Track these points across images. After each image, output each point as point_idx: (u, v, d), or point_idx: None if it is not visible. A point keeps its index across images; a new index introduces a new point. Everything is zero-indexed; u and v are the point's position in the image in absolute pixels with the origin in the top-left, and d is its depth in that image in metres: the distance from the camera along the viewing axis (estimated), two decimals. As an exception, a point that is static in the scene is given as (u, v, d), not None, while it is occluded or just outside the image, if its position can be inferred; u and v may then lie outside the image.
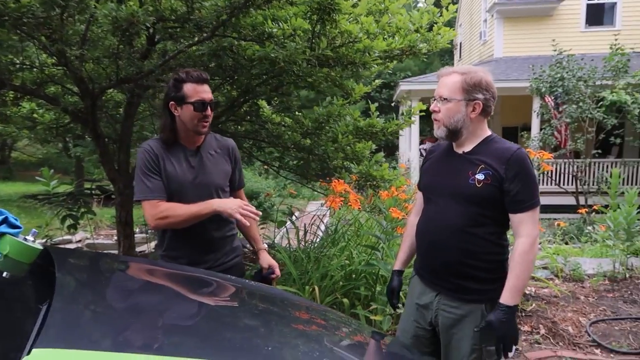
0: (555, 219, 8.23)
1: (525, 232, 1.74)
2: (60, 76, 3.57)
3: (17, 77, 3.38)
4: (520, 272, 1.73)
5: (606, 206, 5.68)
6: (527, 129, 12.20)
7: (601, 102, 9.68)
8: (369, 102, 4.16)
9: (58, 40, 2.73)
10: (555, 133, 10.30)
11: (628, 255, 4.95)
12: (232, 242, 2.17)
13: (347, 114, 3.88)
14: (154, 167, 1.96)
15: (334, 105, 3.81)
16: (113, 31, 2.60)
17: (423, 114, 3.84)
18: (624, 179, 10.96)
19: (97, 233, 7.95)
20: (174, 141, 2.02)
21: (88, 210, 4.53)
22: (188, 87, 1.94)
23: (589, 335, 3.49)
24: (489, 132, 1.85)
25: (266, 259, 2.25)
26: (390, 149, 17.38)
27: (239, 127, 4.56)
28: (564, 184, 11.27)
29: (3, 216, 1.22)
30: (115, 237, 5.53)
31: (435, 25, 3.35)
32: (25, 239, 1.22)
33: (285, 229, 4.43)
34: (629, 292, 4.41)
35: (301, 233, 4.09)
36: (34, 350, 0.82)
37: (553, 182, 11.35)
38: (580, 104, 9.80)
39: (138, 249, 4.99)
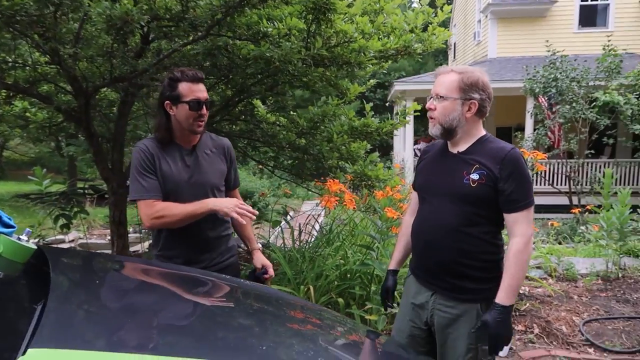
0: (548, 218, 8.28)
1: (519, 231, 1.74)
2: (53, 75, 3.54)
3: (10, 76, 3.35)
4: (515, 272, 1.73)
5: (599, 206, 5.71)
6: (521, 129, 12.26)
7: (594, 103, 9.74)
8: (364, 102, 4.16)
9: (51, 39, 2.71)
10: (549, 133, 10.36)
11: (621, 255, 4.99)
12: (228, 242, 2.17)
13: (342, 113, 3.87)
14: (150, 167, 1.95)
15: (329, 105, 3.80)
16: (107, 30, 2.58)
17: (418, 113, 3.85)
18: (616, 179, 11.04)
19: (90, 233, 7.91)
20: (169, 140, 2.02)
21: (81, 210, 4.50)
22: (183, 86, 1.94)
23: (583, 335, 3.51)
24: (483, 132, 1.86)
25: (260, 259, 2.24)
26: (385, 149, 17.40)
27: (234, 126, 4.55)
28: (557, 184, 11.34)
29: (-4, 216, 1.21)
30: (109, 237, 5.50)
31: (430, 25, 3.35)
32: (19, 239, 1.21)
33: (280, 228, 4.43)
34: (622, 292, 4.44)
35: (296, 233, 4.09)
36: (29, 350, 0.82)
37: (546, 182, 11.41)
38: (574, 104, 9.87)
39: (131, 249, 4.96)
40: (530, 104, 11.47)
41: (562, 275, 4.88)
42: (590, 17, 13.68)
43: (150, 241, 5.09)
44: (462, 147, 1.83)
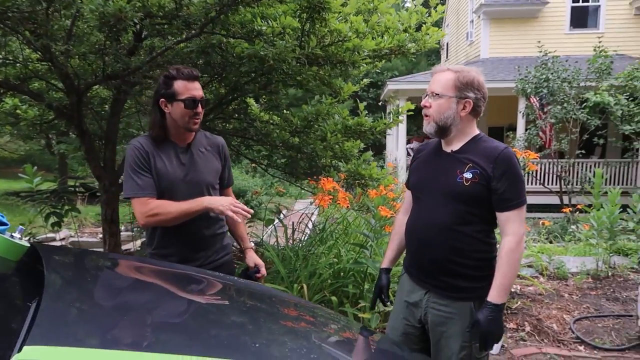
0: (539, 218, 8.34)
1: (511, 230, 1.75)
2: (44, 72, 3.51)
3: (0, 73, 3.32)
4: (507, 271, 1.74)
5: (589, 205, 5.77)
6: (513, 129, 12.34)
7: (585, 103, 9.83)
8: (357, 101, 4.17)
9: (43, 35, 2.68)
10: (540, 133, 10.43)
11: (611, 254, 5.04)
12: (222, 240, 2.16)
13: (335, 112, 3.88)
14: (144, 165, 1.94)
15: (323, 103, 3.81)
16: (100, 27, 2.55)
17: (411, 113, 3.86)
18: (606, 179, 11.15)
19: (82, 231, 7.85)
20: (164, 138, 2.01)
21: (72, 208, 4.46)
22: (179, 84, 1.93)
23: (573, 332, 3.55)
24: (477, 132, 1.87)
25: (252, 258, 2.24)
26: (378, 148, 17.43)
27: (227, 125, 4.54)
28: (548, 184, 11.42)
29: (-12, 213, 1.19)
30: (100, 235, 5.46)
31: (423, 25, 3.37)
32: (12, 236, 1.20)
33: (273, 227, 4.42)
34: (612, 290, 4.49)
35: (289, 231, 4.09)
36: (25, 347, 0.81)
37: (538, 181, 11.49)
38: (565, 104, 9.95)
39: (123, 247, 4.93)
40: (522, 104, 11.55)
41: (553, 274, 4.92)
42: (581, 18, 13.79)
43: (143, 239, 5.07)
44: (456, 146, 1.84)
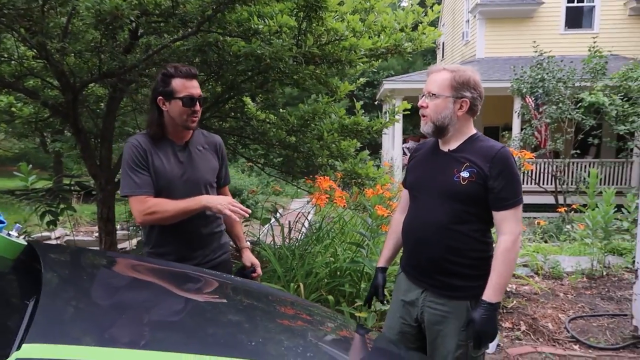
0: (535, 217, 8.38)
1: (507, 229, 1.76)
2: (39, 69, 3.49)
3: (-5, 70, 3.29)
4: (502, 270, 1.75)
5: (584, 205, 5.80)
6: (508, 128, 12.38)
7: (580, 104, 9.86)
8: (354, 100, 4.17)
9: (38, 33, 2.66)
10: (536, 133, 10.47)
11: (605, 254, 5.07)
12: (220, 239, 2.16)
13: (332, 111, 3.88)
14: (142, 162, 1.93)
15: (320, 102, 3.80)
16: (96, 24, 2.54)
17: (408, 112, 3.86)
18: (601, 179, 11.20)
19: (77, 230, 7.82)
20: (162, 136, 2.00)
21: (68, 207, 4.45)
22: (177, 82, 1.92)
23: (568, 332, 3.56)
24: (474, 131, 1.87)
25: (249, 258, 2.25)
26: (374, 148, 17.45)
27: (223, 123, 4.53)
28: (543, 184, 11.46)
29: (-15, 211, 1.19)
30: (96, 234, 5.44)
31: (420, 24, 3.37)
32: (9, 235, 1.19)
33: (270, 226, 4.42)
34: (606, 289, 4.52)
35: (285, 230, 4.09)
36: (24, 345, 0.81)
37: (533, 181, 11.54)
38: (560, 104, 9.98)
39: (119, 246, 4.92)
40: (517, 104, 11.59)
41: (548, 273, 4.94)
42: (576, 18, 13.85)
43: (139, 238, 5.06)
44: (453, 145, 1.85)
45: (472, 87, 1.79)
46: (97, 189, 3.57)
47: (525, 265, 5.02)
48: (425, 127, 1.85)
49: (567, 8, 13.69)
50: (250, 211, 1.93)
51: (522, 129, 11.23)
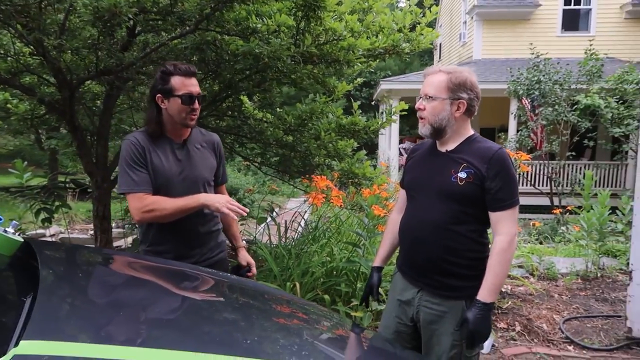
0: (530, 219, 8.42)
1: (504, 230, 1.77)
2: (36, 66, 3.47)
3: (-9, 66, 3.28)
4: (498, 270, 1.76)
5: (579, 207, 5.83)
6: (505, 130, 12.43)
7: (576, 106, 9.92)
8: (351, 100, 4.17)
9: (35, 29, 2.65)
10: (532, 135, 10.51)
11: (600, 255, 5.10)
12: (217, 238, 2.16)
13: (329, 111, 3.88)
14: (140, 160, 1.92)
15: (317, 102, 3.81)
16: (93, 22, 2.53)
17: (405, 112, 3.87)
18: (596, 181, 11.27)
19: (72, 227, 7.80)
20: (160, 134, 1.99)
21: (63, 204, 4.43)
22: (176, 80, 1.92)
23: (563, 332, 3.58)
24: (472, 132, 1.88)
25: (245, 257, 2.26)
26: (371, 148, 17.48)
27: (221, 122, 4.52)
28: (539, 185, 11.51)
29: (-19, 208, 1.18)
30: (91, 232, 5.42)
31: (418, 25, 3.37)
32: (6, 231, 1.18)
33: (266, 225, 4.42)
34: (601, 291, 4.54)
35: (282, 230, 4.09)
36: (22, 342, 0.81)
37: (528, 182, 11.58)
38: (556, 106, 10.03)
39: (115, 244, 4.90)
40: (513, 106, 11.63)
41: (543, 275, 4.97)
42: (573, 21, 13.91)
43: (134, 236, 5.04)
44: (451, 146, 1.85)
45: (469, 89, 1.80)
46: (93, 186, 3.56)
47: (520, 267, 5.04)
48: (424, 129, 1.85)
49: (564, 11, 13.75)
50: (248, 210, 1.93)
51: (518, 131, 11.27)
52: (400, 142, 15.40)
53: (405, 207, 1.99)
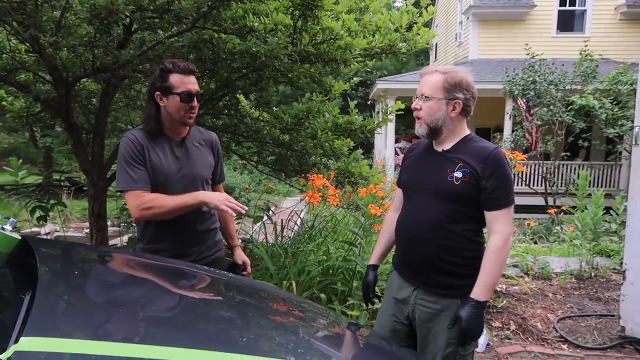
0: (525, 218, 8.45)
1: (499, 229, 1.78)
2: (32, 63, 3.46)
3: (-14, 63, 3.26)
4: (492, 269, 1.77)
5: (574, 207, 5.86)
6: (500, 130, 12.48)
7: (570, 106, 9.97)
8: (348, 99, 4.18)
9: (31, 26, 2.64)
10: (527, 135, 10.56)
11: (594, 255, 5.13)
12: (215, 236, 2.16)
13: (326, 110, 3.88)
14: (139, 157, 1.92)
15: (314, 101, 3.81)
16: (90, 19, 2.53)
17: (401, 112, 3.88)
18: (590, 181, 11.32)
19: (67, 225, 7.77)
20: (159, 132, 1.99)
21: (58, 202, 4.41)
22: (174, 78, 1.92)
23: (557, 331, 3.61)
24: (468, 131, 1.89)
25: (240, 256, 2.27)
26: (367, 147, 17.49)
27: (217, 120, 4.52)
28: (533, 185, 11.56)
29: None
30: (86, 230, 5.40)
31: (414, 25, 3.38)
32: (3, 229, 1.18)
33: (262, 224, 4.42)
34: (595, 290, 4.57)
35: (278, 228, 4.09)
36: (21, 338, 0.81)
37: (523, 182, 11.63)
38: (551, 107, 10.08)
39: (110, 242, 4.89)
40: (509, 106, 11.67)
41: (538, 274, 4.99)
42: (568, 22, 13.98)
43: (130, 235, 5.03)
44: (447, 146, 1.86)
45: (465, 89, 1.81)
46: (89, 184, 3.55)
47: (515, 266, 5.07)
48: (420, 129, 1.86)
49: (559, 11, 13.82)
50: (246, 208, 1.93)
51: (513, 131, 11.32)
52: (396, 141, 15.44)
53: (402, 206, 2.00)
